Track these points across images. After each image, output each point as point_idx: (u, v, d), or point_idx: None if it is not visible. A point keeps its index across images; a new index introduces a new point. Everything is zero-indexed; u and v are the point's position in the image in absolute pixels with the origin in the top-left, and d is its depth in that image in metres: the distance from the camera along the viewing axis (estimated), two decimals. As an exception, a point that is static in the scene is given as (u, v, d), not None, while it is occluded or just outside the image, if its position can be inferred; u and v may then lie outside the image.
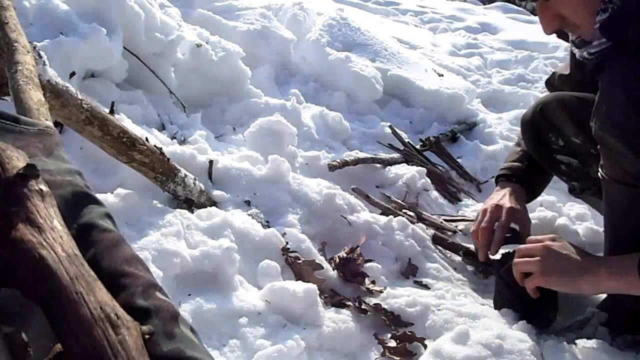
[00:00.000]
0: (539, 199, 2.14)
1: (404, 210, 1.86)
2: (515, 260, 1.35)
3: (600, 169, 1.25)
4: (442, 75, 3.19)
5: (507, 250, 1.46)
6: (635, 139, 1.11)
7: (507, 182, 1.65)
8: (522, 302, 1.38)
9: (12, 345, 0.59)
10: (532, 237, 1.39)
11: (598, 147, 1.23)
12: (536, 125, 1.59)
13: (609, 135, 1.16)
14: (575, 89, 1.55)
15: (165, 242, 1.32)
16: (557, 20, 1.26)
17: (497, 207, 1.54)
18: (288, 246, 1.50)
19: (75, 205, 0.78)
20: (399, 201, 1.93)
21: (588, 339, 1.34)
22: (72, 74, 1.77)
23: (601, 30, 1.16)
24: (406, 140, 2.37)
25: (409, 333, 1.34)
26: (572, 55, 1.48)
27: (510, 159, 1.71)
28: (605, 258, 1.28)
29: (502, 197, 1.58)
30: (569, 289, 1.29)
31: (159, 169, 1.49)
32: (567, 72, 1.64)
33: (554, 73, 1.72)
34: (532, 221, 1.88)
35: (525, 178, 1.65)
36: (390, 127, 2.41)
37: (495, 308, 1.48)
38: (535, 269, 1.30)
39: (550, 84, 1.73)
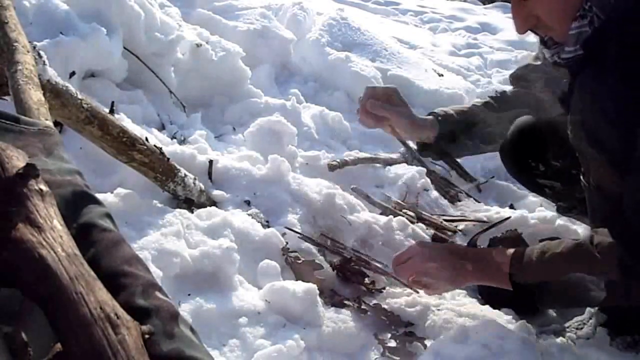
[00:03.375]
0: (539, 198, 2.14)
1: (404, 210, 1.86)
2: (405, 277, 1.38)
3: (581, 176, 1.25)
4: (442, 75, 3.19)
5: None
6: (610, 147, 1.11)
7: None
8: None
9: (12, 345, 0.59)
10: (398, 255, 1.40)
11: (576, 154, 1.23)
12: (514, 152, 1.58)
13: (585, 143, 1.16)
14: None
15: (165, 242, 1.32)
16: (531, 19, 1.23)
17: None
18: (288, 246, 1.50)
19: (75, 205, 0.78)
20: (399, 201, 1.93)
21: (588, 339, 1.34)
22: (72, 74, 1.77)
23: (583, 44, 1.16)
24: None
25: (409, 333, 1.34)
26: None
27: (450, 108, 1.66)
28: (475, 261, 1.29)
29: None
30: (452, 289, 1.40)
31: (159, 169, 1.49)
32: (538, 62, 1.60)
33: (525, 65, 1.64)
34: (532, 221, 1.89)
35: (446, 122, 1.61)
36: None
37: (481, 298, 1.51)
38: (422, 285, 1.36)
39: (518, 77, 1.66)
